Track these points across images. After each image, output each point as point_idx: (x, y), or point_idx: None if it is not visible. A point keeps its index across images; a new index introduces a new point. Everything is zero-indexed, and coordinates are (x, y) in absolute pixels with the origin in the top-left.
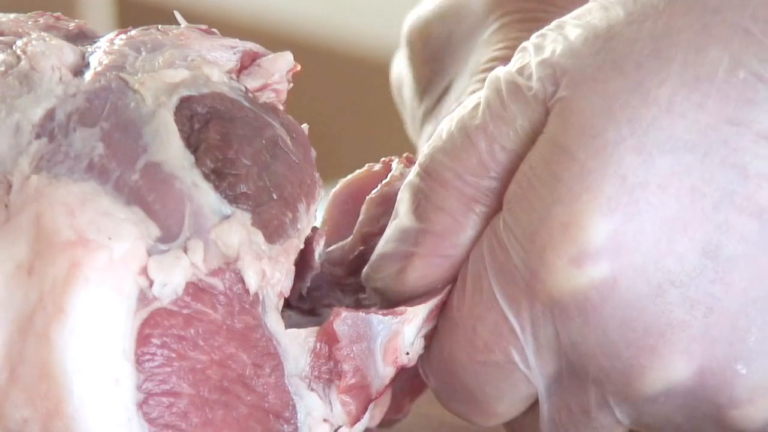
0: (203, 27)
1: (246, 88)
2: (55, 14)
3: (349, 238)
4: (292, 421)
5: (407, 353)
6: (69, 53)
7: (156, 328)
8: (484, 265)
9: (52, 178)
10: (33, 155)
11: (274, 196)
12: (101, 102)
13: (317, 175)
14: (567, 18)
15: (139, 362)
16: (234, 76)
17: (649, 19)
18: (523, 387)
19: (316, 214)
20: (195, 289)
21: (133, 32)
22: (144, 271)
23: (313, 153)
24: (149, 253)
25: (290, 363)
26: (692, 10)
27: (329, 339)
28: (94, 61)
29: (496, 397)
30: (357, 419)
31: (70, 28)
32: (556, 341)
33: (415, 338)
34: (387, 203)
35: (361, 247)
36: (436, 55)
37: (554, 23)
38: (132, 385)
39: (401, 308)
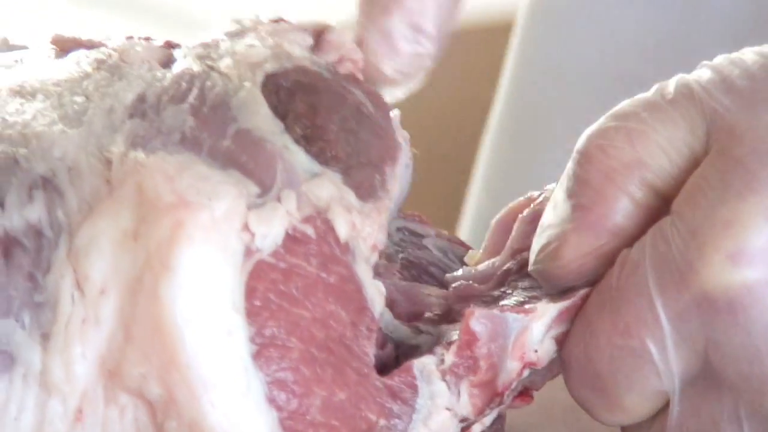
0: (275, 18)
1: (326, 61)
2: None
3: (500, 255)
4: (410, 403)
5: (535, 351)
6: (157, 50)
7: (261, 282)
8: (644, 254)
9: (149, 153)
10: (128, 133)
11: (363, 160)
12: (188, 84)
13: (398, 138)
14: (747, 48)
15: (249, 315)
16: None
17: None
18: (653, 381)
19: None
20: (289, 240)
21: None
22: (246, 226)
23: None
24: (248, 208)
25: (376, 312)
26: None
27: (470, 337)
28: (179, 55)
29: (625, 387)
30: (481, 411)
31: (161, 44)
32: (700, 337)
33: (544, 336)
34: (537, 220)
35: (510, 263)
36: None
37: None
38: (245, 337)
39: (532, 305)
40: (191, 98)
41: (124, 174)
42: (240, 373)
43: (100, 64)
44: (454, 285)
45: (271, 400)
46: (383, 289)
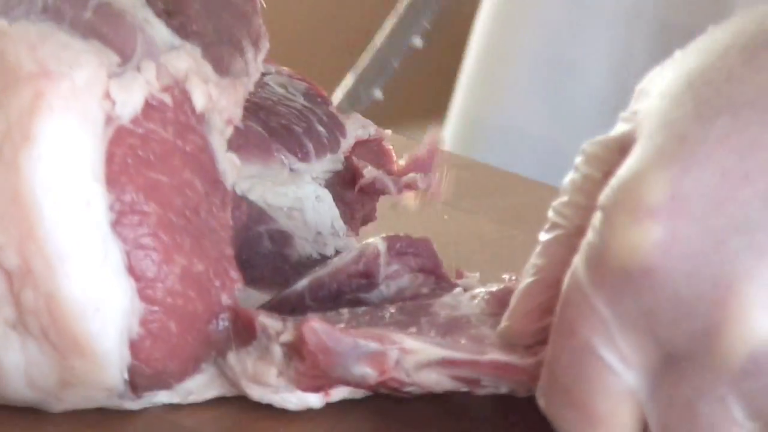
0: None
1: None
2: None
3: None
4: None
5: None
6: None
7: (119, 147)
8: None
9: (11, 21)
10: None
11: (224, 38)
12: None
13: (263, 26)
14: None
15: (108, 182)
16: None
17: None
18: (611, 379)
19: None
20: (148, 108)
21: None
22: (107, 94)
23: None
24: (109, 77)
25: (228, 184)
26: None
27: (300, 339)
28: None
29: (590, 392)
30: (303, 389)
31: None
32: (638, 315)
33: (422, 368)
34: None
35: None
36: None
37: None
38: (104, 206)
39: (384, 335)
40: None
41: None
42: (98, 243)
43: None
44: None
45: (130, 269)
46: (237, 162)
